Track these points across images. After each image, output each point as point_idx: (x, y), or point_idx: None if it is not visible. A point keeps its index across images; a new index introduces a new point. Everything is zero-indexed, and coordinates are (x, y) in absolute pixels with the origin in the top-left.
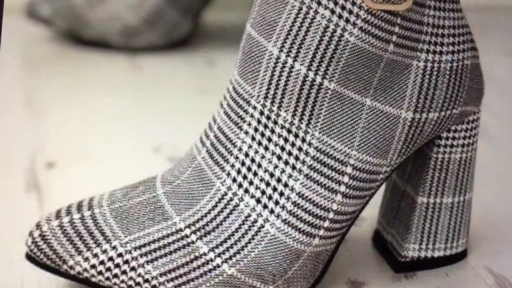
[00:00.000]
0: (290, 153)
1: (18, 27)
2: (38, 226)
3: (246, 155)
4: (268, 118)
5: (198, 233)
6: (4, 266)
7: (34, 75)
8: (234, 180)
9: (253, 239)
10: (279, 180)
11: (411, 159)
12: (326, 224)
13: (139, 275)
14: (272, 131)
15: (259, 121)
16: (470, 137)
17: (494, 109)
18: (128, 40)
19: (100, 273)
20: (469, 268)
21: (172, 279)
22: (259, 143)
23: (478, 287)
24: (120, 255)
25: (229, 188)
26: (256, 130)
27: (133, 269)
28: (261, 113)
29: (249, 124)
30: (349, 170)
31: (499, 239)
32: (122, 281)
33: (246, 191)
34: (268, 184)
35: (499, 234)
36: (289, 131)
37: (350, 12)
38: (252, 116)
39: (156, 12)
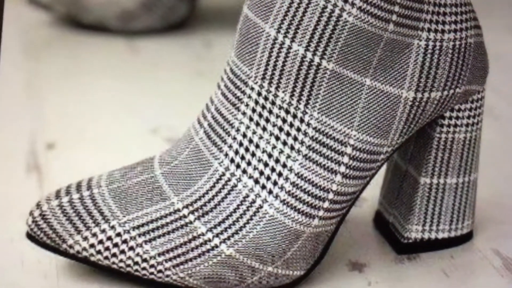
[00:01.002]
0: (288, 134)
1: (18, 13)
2: (38, 205)
3: (244, 135)
4: (266, 99)
5: (196, 213)
6: (4, 246)
7: (34, 59)
8: (232, 160)
9: (251, 219)
10: (277, 161)
11: (413, 139)
12: (326, 204)
13: (138, 254)
14: (270, 112)
15: (256, 102)
16: (475, 117)
17: (499, 87)
18: (125, 24)
19: (98, 252)
20: (475, 250)
21: (170, 259)
22: (257, 124)
23: (485, 270)
24: (118, 234)
25: (227, 169)
26: (253, 111)
27: (131, 248)
28: (259, 94)
29: (247, 105)
30: (348, 150)
31: (507, 220)
32: (121, 260)
33: (244, 171)
34: (266, 164)
35: (507, 216)
36: (287, 112)
37: None
38: (249, 97)
39: None
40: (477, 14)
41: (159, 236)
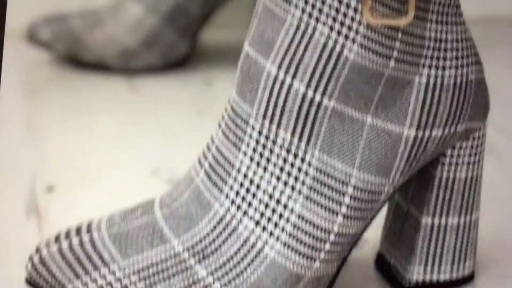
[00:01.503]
0: (289, 174)
1: (18, 51)
2: (37, 250)
3: (245, 176)
4: (267, 138)
5: (197, 257)
6: None
7: (34, 98)
8: (233, 202)
9: (252, 262)
10: (278, 202)
11: (414, 178)
12: (327, 246)
13: None
14: (271, 151)
15: (257, 141)
16: (476, 154)
17: (500, 124)
18: (126, 62)
19: None
20: None
21: None
22: (258, 164)
23: None
24: (118, 279)
25: (228, 210)
26: (254, 150)
27: None
28: (260, 132)
29: (248, 145)
30: (350, 190)
31: (508, 260)
32: None
33: (245, 213)
34: (267, 205)
35: (508, 256)
36: (288, 151)
37: (349, 28)
38: (250, 136)
39: (154, 33)
40: (478, 50)
41: (159, 281)
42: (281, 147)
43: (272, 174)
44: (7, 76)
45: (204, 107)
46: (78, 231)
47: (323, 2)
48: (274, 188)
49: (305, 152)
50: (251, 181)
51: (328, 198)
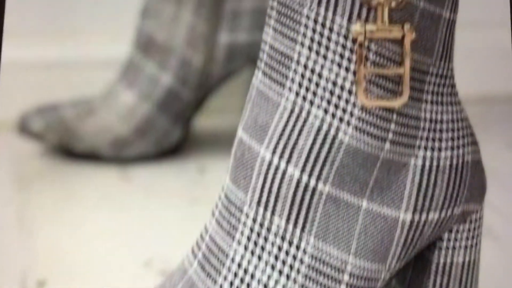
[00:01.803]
0: (284, 262)
1: (9, 143)
2: None
3: (239, 265)
4: (261, 225)
5: None
6: None
7: (25, 191)
8: None
9: None
10: None
11: (411, 264)
12: None
13: None
14: (265, 239)
15: (251, 229)
16: (474, 238)
17: (498, 206)
18: (118, 151)
19: None
20: None
21: None
22: (252, 253)
23: None
24: None
25: None
26: (248, 239)
27: None
28: (254, 220)
29: (242, 233)
30: (346, 277)
31: None
32: None
33: None
34: None
35: None
36: (283, 238)
37: (344, 110)
38: (244, 224)
39: (147, 120)
40: (474, 129)
41: None
42: (275, 234)
43: (266, 263)
44: None
45: (197, 195)
46: None
47: (317, 85)
48: (269, 277)
49: (300, 239)
50: (246, 271)
51: (324, 286)
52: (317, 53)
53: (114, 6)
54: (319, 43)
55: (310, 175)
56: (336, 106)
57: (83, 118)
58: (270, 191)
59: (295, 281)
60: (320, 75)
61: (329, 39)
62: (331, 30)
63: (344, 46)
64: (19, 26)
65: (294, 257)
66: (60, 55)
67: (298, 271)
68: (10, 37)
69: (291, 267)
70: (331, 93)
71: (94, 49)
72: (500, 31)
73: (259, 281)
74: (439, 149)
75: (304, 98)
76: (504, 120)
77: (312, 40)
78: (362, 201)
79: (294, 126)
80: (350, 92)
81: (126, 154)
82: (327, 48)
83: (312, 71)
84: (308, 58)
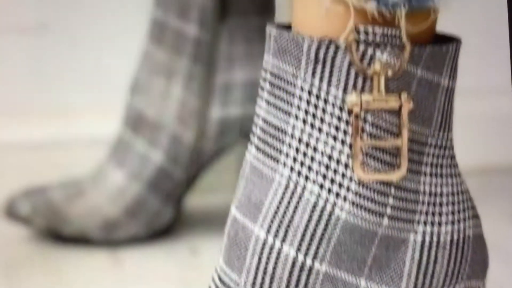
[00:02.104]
0: None
1: None
2: None
3: None
4: None
5: None
6: None
7: (13, 276)
8: None
9: None
10: None
11: None
12: None
13: None
14: None
15: None
16: None
17: (501, 281)
18: (108, 234)
19: None
20: None
21: None
22: None
23: None
24: None
25: None
26: None
27: None
28: None
29: None
30: None
31: None
32: None
33: None
34: None
35: None
36: None
37: (340, 185)
38: None
39: (137, 201)
40: (475, 202)
41: None
42: None
43: None
44: None
45: (190, 278)
46: None
47: (312, 159)
48: None
49: None
50: None
51: None
52: (312, 125)
53: (103, 83)
54: (314, 116)
55: (306, 254)
56: (332, 181)
57: (72, 200)
58: (265, 272)
59: None
60: (315, 149)
61: (324, 111)
62: (326, 101)
63: (339, 118)
64: (3, 105)
65: None
66: (47, 135)
67: None
68: None
69: None
70: (327, 167)
71: (83, 128)
72: (501, 98)
73: None
74: (439, 224)
75: (299, 173)
76: (507, 192)
77: (306, 112)
78: (360, 280)
79: (289, 202)
80: (346, 166)
81: (117, 236)
82: (322, 120)
83: (307, 144)
84: (302, 131)
